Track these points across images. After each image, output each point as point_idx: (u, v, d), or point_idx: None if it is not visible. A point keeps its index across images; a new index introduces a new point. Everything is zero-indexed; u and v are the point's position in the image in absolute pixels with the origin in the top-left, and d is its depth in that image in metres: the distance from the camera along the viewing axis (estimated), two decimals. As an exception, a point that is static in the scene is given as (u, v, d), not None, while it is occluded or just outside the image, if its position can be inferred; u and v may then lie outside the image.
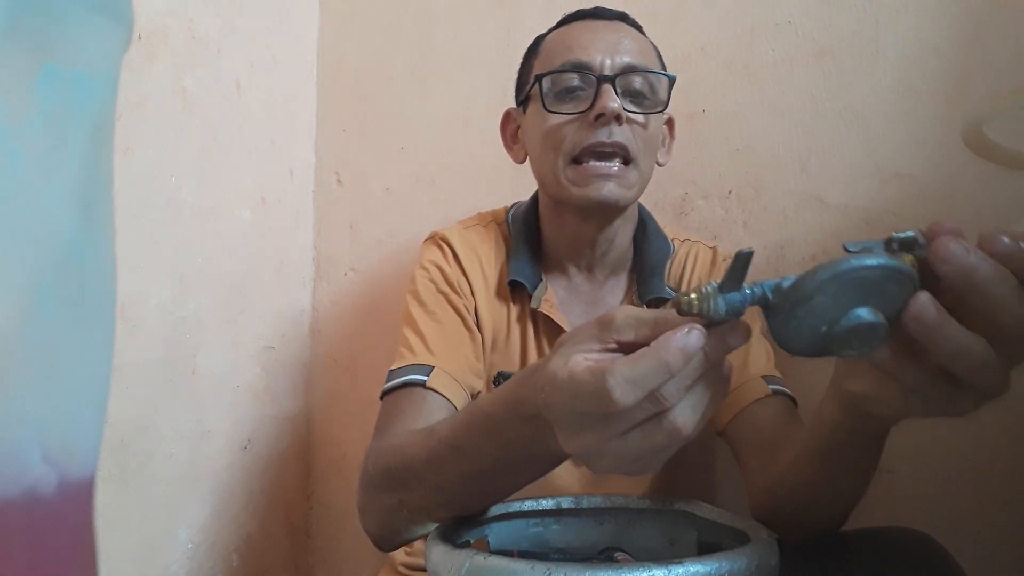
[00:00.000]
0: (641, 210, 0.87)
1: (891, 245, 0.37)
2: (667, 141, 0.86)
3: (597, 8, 0.82)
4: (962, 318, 0.36)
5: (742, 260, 0.36)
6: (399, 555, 0.89)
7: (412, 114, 1.22)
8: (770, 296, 0.36)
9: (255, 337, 1.12)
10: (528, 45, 0.86)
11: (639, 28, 0.83)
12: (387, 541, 0.67)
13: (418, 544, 0.88)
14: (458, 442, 0.55)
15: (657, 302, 0.82)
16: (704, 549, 0.64)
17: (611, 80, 0.74)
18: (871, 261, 0.34)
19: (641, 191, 0.79)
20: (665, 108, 0.80)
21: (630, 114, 0.75)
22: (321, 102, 1.28)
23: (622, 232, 0.82)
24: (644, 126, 0.77)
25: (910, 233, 0.37)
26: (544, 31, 0.85)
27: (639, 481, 0.81)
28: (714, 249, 0.88)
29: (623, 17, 0.82)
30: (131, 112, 0.88)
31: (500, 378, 0.82)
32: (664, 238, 0.86)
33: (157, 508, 0.93)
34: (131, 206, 0.89)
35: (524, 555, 0.66)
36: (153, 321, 0.92)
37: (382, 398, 0.76)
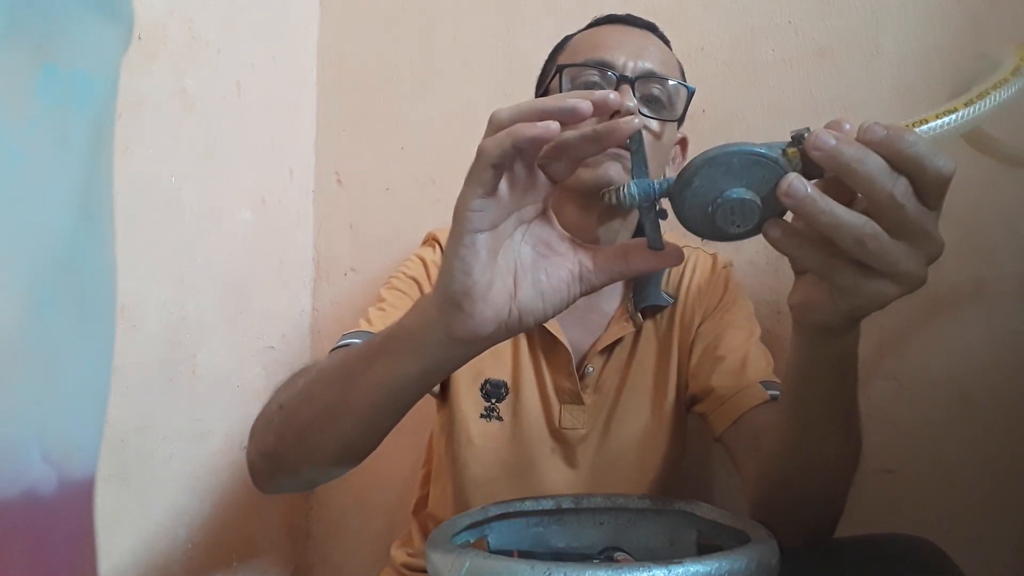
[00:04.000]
0: None
1: (791, 142, 0.42)
2: (677, 159, 0.86)
3: (628, 15, 0.83)
4: (851, 204, 0.39)
5: (635, 144, 0.42)
6: (400, 555, 0.89)
7: (412, 114, 1.22)
8: (670, 186, 0.42)
9: (255, 337, 1.12)
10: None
11: (667, 41, 0.84)
12: (258, 465, 0.63)
13: (419, 544, 0.88)
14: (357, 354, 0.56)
15: (652, 309, 0.83)
16: (704, 549, 0.64)
17: (631, 82, 0.74)
18: (733, 148, 0.40)
19: None
20: (681, 122, 0.80)
21: (644, 117, 0.75)
22: (321, 102, 1.28)
23: (623, 236, 0.82)
24: (657, 135, 0.77)
25: (801, 129, 0.41)
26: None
27: (639, 482, 0.81)
28: (714, 256, 0.87)
29: (652, 28, 0.83)
30: (131, 112, 0.88)
31: (487, 384, 0.82)
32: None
33: (157, 508, 0.93)
34: (131, 206, 0.89)
35: (524, 555, 0.66)
36: (153, 321, 0.92)
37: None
